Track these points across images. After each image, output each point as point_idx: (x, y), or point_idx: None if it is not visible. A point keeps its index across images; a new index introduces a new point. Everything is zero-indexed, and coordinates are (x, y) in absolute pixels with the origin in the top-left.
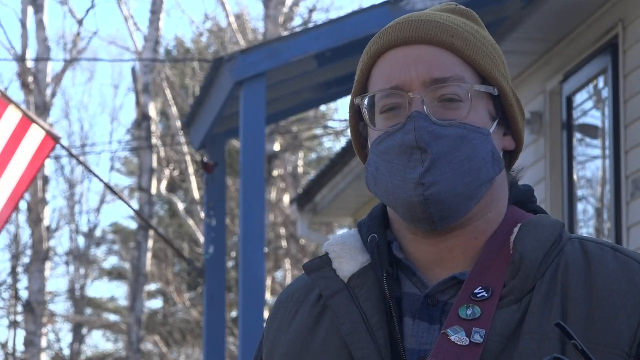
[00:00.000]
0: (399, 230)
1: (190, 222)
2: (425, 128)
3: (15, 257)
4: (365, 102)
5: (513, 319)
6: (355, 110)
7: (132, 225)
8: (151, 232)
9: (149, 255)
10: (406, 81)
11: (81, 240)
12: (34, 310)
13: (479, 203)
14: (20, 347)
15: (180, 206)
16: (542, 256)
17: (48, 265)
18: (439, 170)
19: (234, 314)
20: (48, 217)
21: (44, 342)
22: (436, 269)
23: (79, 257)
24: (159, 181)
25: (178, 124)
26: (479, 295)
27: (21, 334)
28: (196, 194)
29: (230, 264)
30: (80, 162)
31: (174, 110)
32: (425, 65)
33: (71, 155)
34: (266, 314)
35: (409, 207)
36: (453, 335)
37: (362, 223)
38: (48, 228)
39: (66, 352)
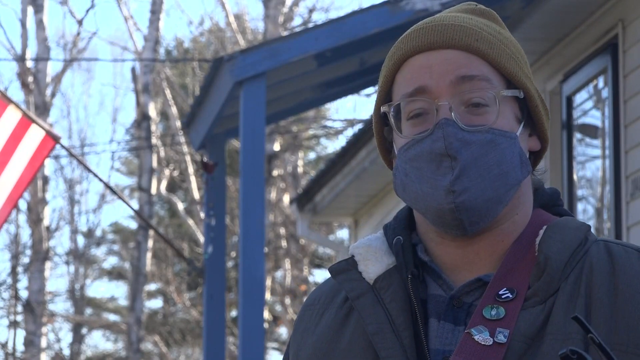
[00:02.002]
0: (424, 233)
1: (190, 222)
2: (455, 135)
3: (15, 257)
4: (392, 108)
5: (537, 320)
6: (379, 116)
7: (132, 225)
8: (151, 232)
9: (149, 255)
10: (431, 83)
11: (81, 240)
12: (34, 310)
13: (507, 206)
14: (20, 347)
15: (180, 206)
16: (567, 258)
17: (48, 265)
18: (469, 177)
19: (234, 314)
20: (48, 217)
21: (44, 342)
22: (462, 272)
23: (79, 257)
24: (159, 181)
25: (178, 124)
26: (503, 297)
27: (21, 334)
28: (196, 194)
29: (230, 264)
30: (80, 162)
31: (174, 110)
32: (452, 65)
33: (71, 155)
34: (266, 314)
35: (440, 214)
36: (477, 335)
37: (388, 226)
38: (48, 228)
39: (66, 352)
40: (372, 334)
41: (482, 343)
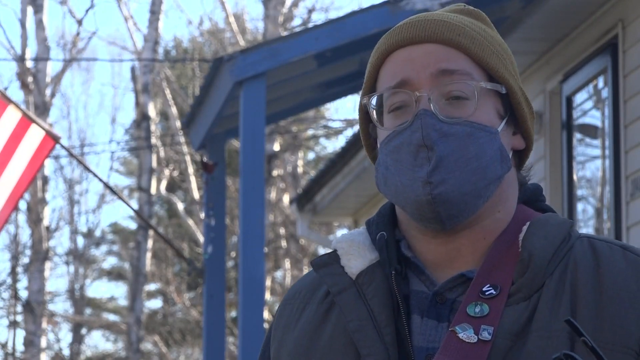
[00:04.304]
0: (407, 230)
1: (190, 222)
2: (433, 126)
3: (15, 257)
4: (374, 102)
5: (522, 317)
6: (364, 112)
7: (132, 225)
8: (151, 232)
9: (148, 255)
10: (413, 75)
11: (81, 241)
12: (34, 310)
13: (487, 202)
14: (20, 347)
15: (180, 206)
16: (551, 254)
17: (48, 265)
18: (446, 168)
19: (233, 314)
20: (48, 217)
21: (44, 342)
22: (445, 268)
23: (79, 257)
24: (159, 181)
25: (178, 124)
26: (487, 293)
27: (21, 334)
28: (196, 194)
29: (230, 264)
30: (79, 162)
31: (173, 110)
32: (433, 58)
33: (71, 155)
34: (266, 314)
35: (418, 207)
36: (461, 332)
37: (371, 221)
38: (48, 228)
39: (66, 352)
40: (353, 331)
41: (467, 341)
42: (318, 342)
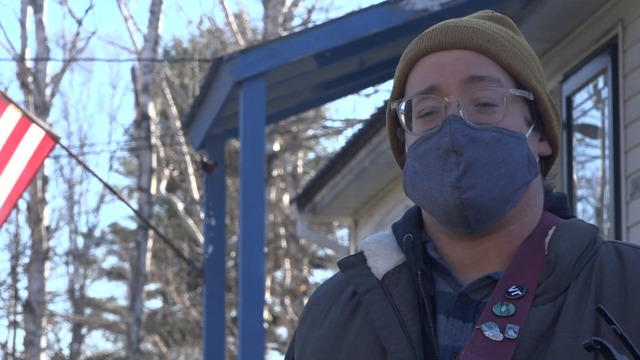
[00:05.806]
0: (433, 233)
1: (190, 222)
2: (461, 131)
3: (15, 257)
4: (402, 107)
5: (547, 317)
6: (392, 117)
7: (132, 225)
8: (151, 232)
9: (148, 255)
10: (442, 81)
11: (80, 241)
12: (34, 310)
13: (515, 207)
14: (20, 347)
15: (180, 206)
16: (577, 257)
17: (48, 265)
18: (475, 173)
19: (233, 313)
20: (48, 217)
21: (43, 342)
22: (470, 270)
23: (79, 257)
24: (159, 181)
25: (178, 124)
26: (513, 294)
27: (21, 334)
28: (196, 194)
29: (230, 264)
30: (79, 162)
31: (173, 110)
32: (462, 65)
33: (71, 155)
34: (266, 314)
35: (446, 211)
36: (487, 330)
37: (397, 225)
38: (48, 228)
39: (66, 352)
40: (380, 328)
41: (493, 339)
42: (343, 340)
